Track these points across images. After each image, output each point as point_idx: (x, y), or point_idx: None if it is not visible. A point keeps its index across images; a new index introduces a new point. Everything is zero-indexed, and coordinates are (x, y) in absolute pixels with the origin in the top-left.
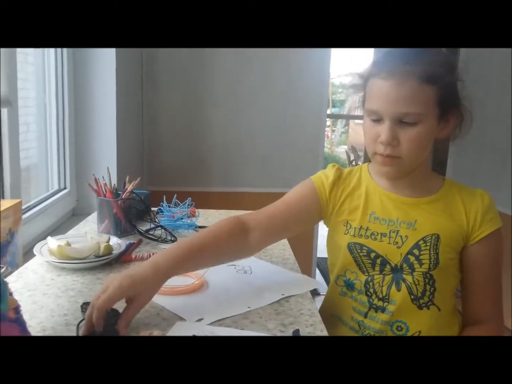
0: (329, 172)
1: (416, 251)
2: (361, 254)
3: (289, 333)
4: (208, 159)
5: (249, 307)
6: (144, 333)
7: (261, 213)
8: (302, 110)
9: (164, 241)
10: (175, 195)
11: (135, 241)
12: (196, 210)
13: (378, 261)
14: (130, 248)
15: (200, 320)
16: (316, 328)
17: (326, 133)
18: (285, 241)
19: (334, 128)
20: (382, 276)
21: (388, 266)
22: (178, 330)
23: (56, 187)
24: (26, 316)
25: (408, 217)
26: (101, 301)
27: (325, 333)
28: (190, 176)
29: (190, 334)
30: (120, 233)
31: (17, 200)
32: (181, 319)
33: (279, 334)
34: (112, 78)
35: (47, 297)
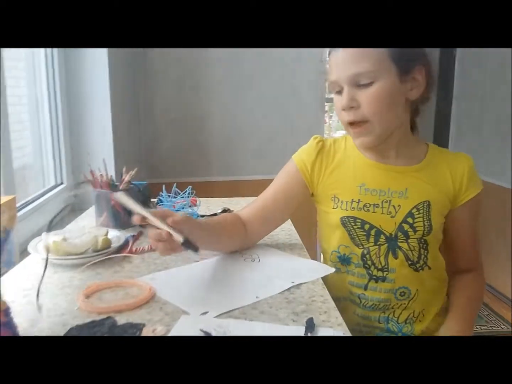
0: (310, 148)
1: (410, 219)
2: (355, 227)
3: (302, 322)
4: (206, 148)
5: (257, 297)
6: (147, 329)
7: (253, 204)
8: (300, 95)
9: None
10: (175, 184)
11: (136, 234)
12: (197, 199)
13: (373, 232)
14: (130, 241)
15: (205, 313)
16: (330, 315)
17: (324, 118)
18: (290, 227)
19: (331, 114)
20: (378, 247)
21: (382, 236)
22: (183, 325)
23: (52, 183)
24: (20, 318)
25: (399, 186)
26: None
27: (340, 320)
28: (189, 166)
29: (196, 328)
30: (120, 226)
31: (11, 197)
32: (185, 313)
33: (291, 323)
34: (105, 69)
35: (43, 297)
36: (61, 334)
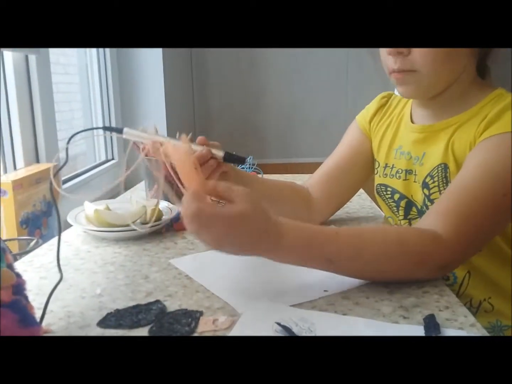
0: (372, 103)
1: (425, 190)
2: (387, 196)
3: (416, 319)
4: (262, 127)
5: (325, 291)
6: (206, 319)
7: (314, 174)
8: (365, 69)
9: None
10: (234, 152)
11: None
12: (259, 173)
13: (403, 203)
14: None
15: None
16: (455, 312)
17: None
18: (371, 203)
19: None
20: (408, 221)
21: (414, 209)
22: (252, 315)
23: (103, 158)
24: (45, 297)
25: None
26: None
27: (471, 319)
28: (243, 147)
29: (270, 321)
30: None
31: (53, 164)
32: (251, 299)
33: (401, 321)
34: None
35: (80, 274)
36: (96, 320)
